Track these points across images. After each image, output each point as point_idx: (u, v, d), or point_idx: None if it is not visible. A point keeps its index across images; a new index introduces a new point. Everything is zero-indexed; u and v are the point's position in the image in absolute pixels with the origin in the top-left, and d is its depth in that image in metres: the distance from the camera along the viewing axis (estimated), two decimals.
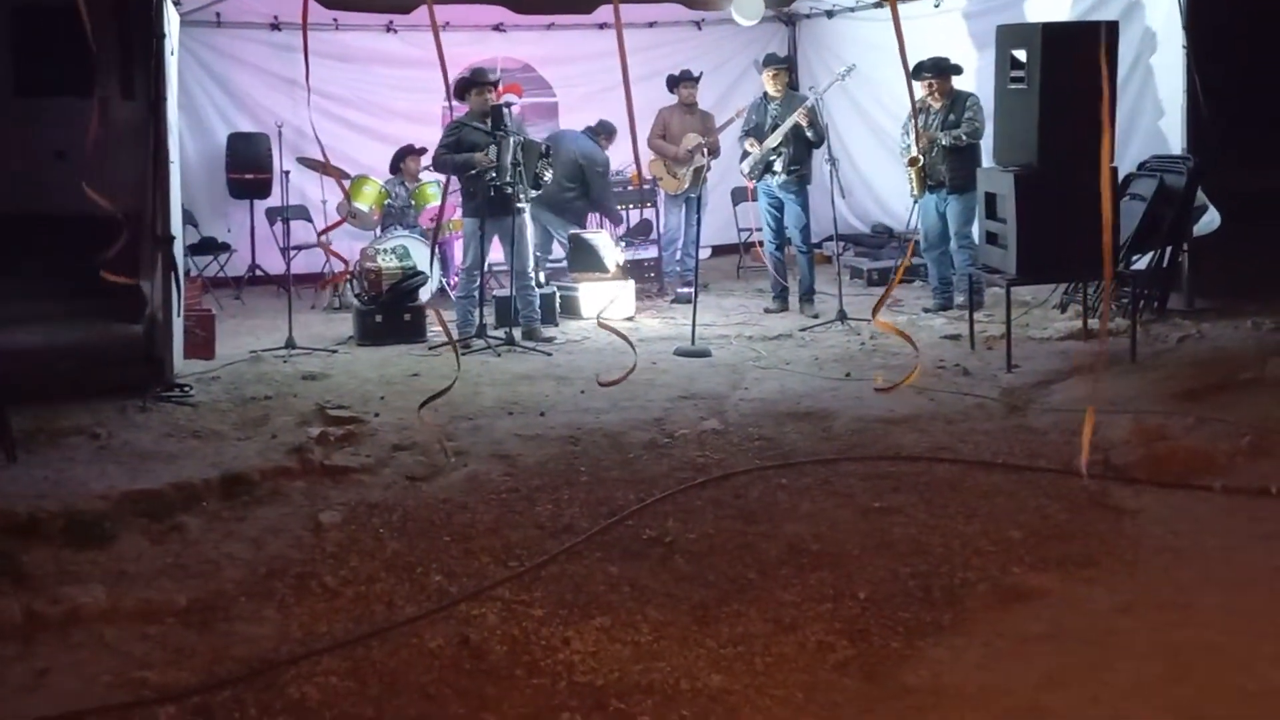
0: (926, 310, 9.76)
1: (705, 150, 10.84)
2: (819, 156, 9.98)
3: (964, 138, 9.32)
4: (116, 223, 6.22)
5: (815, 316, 9.66)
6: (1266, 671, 3.73)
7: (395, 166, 10.93)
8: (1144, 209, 8.64)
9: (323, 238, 7.98)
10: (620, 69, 4.96)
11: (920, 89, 9.46)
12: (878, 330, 9.05)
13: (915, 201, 9.83)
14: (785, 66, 10.18)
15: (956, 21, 10.65)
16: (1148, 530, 4.93)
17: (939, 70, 9.41)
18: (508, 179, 8.84)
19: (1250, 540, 4.81)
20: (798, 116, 9.59)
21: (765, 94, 10.00)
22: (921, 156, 9.36)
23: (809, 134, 9.66)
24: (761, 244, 10.39)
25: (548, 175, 9.29)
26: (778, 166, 9.83)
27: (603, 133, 10.88)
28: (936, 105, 9.50)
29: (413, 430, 6.63)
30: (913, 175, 9.46)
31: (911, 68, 9.35)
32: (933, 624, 4.17)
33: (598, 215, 11.25)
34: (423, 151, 10.83)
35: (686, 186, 10.95)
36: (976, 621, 4.19)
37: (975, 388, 7.27)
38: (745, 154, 10.03)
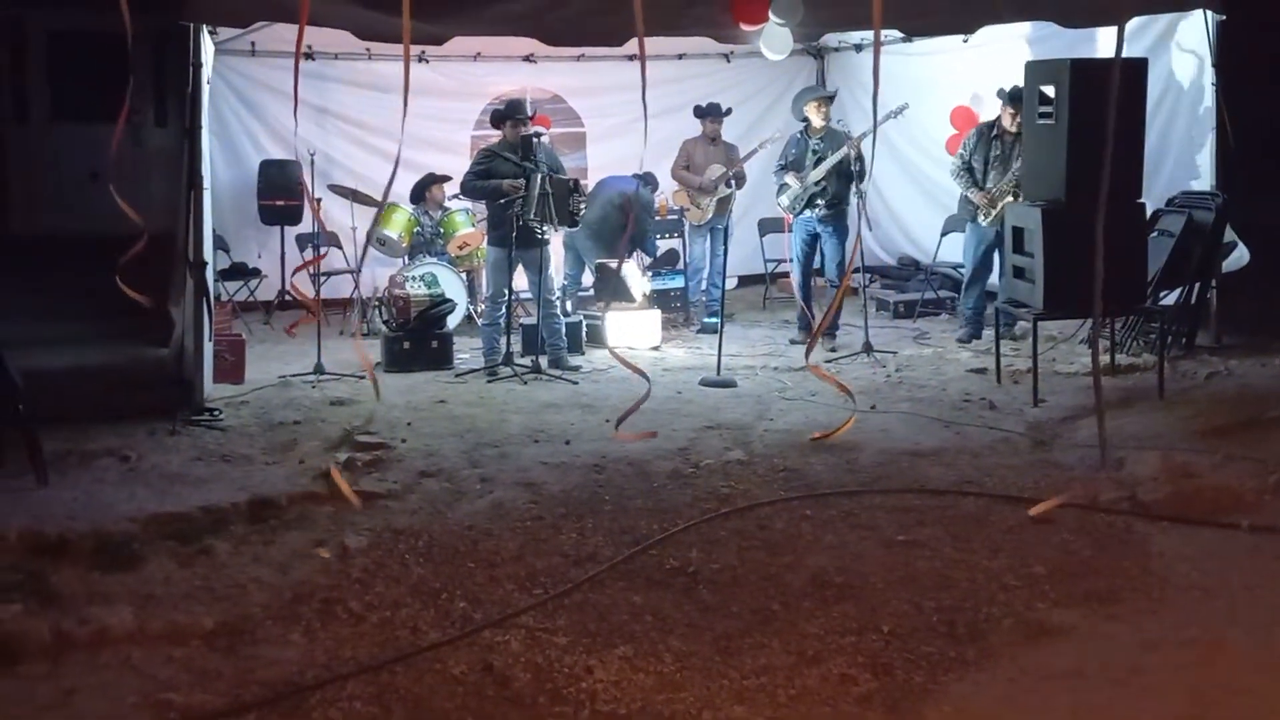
0: (961, 341, 9.69)
1: (731, 180, 10.88)
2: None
3: None
4: (140, 232, 6.28)
5: (833, 350, 9.63)
6: None
7: (419, 195, 10.99)
8: (1172, 245, 8.62)
9: (294, 279, 7.97)
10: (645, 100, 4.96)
11: (1006, 118, 9.44)
12: (893, 360, 9.09)
13: (977, 225, 9.70)
14: (830, 98, 10.12)
15: (984, 56, 10.67)
16: (1174, 568, 4.90)
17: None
18: (533, 214, 8.88)
19: (1277, 579, 4.78)
20: (849, 149, 9.56)
21: (806, 128, 9.98)
22: (1014, 194, 9.23)
23: (855, 167, 9.62)
24: (788, 275, 10.39)
25: (582, 209, 9.32)
26: (819, 201, 9.80)
27: (649, 183, 11.01)
28: (1013, 134, 9.41)
29: (439, 456, 6.67)
30: (999, 209, 9.35)
31: (1009, 94, 9.29)
32: (957, 659, 4.16)
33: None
34: (445, 179, 10.91)
35: (711, 217, 10.99)
36: (1001, 657, 4.17)
37: (1001, 422, 7.26)
38: (782, 187, 9.99)
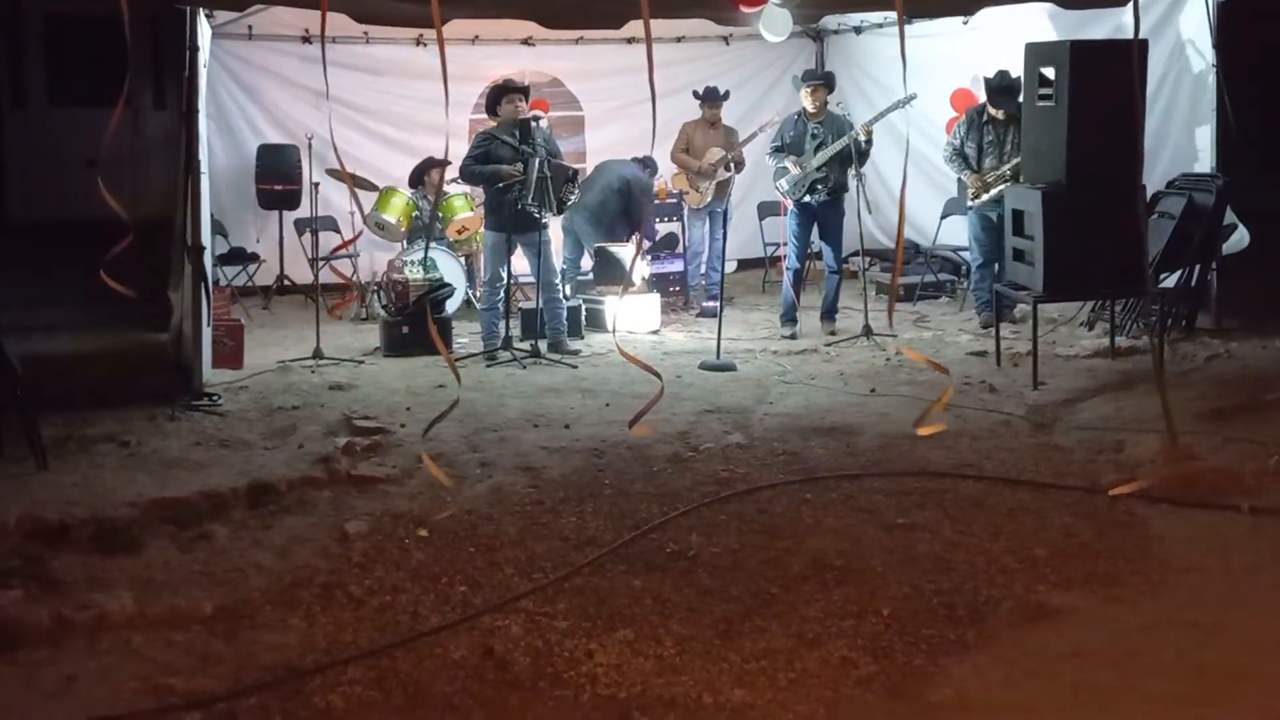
0: (987, 326, 9.59)
1: (731, 164, 10.84)
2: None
3: None
4: (127, 227, 6.26)
5: (833, 334, 9.60)
6: None
7: (418, 179, 10.96)
8: (1172, 227, 8.61)
9: (333, 258, 7.95)
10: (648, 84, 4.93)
11: (990, 108, 9.43)
12: (903, 349, 9.07)
13: (971, 210, 9.68)
14: (824, 83, 9.86)
15: (983, 38, 10.63)
16: (1173, 550, 4.90)
17: (1015, 93, 9.10)
18: (531, 199, 8.85)
19: (1277, 561, 4.78)
20: (858, 134, 9.41)
21: (803, 111, 9.80)
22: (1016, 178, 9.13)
23: (865, 147, 9.49)
24: (784, 258, 10.30)
25: (572, 198, 9.31)
26: (820, 186, 9.64)
27: (648, 167, 10.96)
28: (1002, 120, 9.38)
29: (438, 441, 6.66)
30: (993, 194, 9.33)
31: (990, 85, 9.29)
32: (957, 641, 4.16)
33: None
34: (444, 163, 10.87)
35: (709, 200, 10.97)
36: (1001, 640, 4.18)
37: (1001, 405, 7.26)
38: (781, 170, 9.76)
